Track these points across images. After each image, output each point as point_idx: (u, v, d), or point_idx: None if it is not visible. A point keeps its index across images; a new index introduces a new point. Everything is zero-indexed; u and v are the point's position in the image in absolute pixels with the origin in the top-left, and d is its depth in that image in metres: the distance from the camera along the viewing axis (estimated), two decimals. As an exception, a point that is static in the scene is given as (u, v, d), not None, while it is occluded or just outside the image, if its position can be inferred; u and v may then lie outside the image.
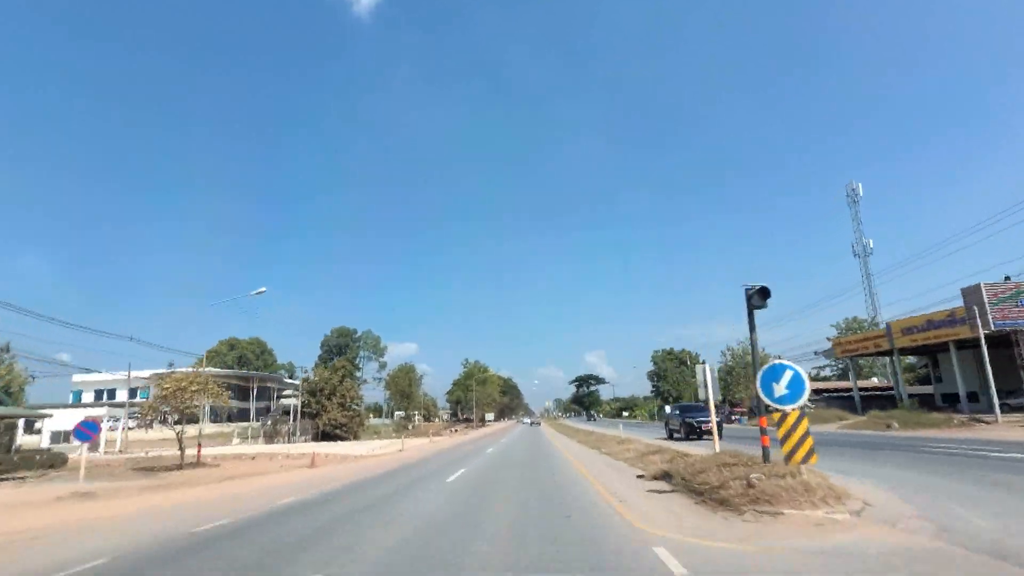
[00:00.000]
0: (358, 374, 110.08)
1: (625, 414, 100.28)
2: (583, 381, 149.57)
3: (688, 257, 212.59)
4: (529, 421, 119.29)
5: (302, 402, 50.78)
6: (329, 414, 47.42)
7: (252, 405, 60.61)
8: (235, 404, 63.38)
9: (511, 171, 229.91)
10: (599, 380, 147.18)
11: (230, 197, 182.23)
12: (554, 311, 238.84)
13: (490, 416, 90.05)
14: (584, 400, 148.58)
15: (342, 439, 48.19)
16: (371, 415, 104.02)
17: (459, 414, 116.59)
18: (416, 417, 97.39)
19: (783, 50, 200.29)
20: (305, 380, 49.90)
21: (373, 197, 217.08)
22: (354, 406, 50.85)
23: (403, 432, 73.77)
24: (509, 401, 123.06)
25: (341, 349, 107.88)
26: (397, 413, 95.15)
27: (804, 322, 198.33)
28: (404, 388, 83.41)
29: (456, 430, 77.77)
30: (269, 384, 69.73)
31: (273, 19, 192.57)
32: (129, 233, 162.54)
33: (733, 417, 43.23)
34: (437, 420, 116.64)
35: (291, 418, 47.18)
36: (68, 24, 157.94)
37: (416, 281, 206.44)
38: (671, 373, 73.04)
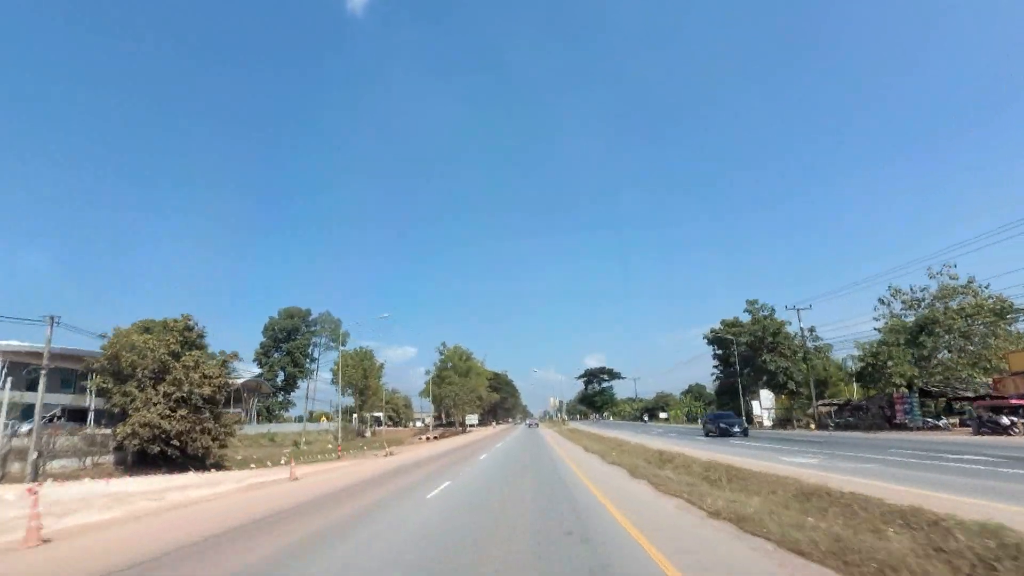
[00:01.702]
0: (311, 366, 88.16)
1: (663, 416, 78.12)
2: (593, 376, 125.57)
3: (690, 258, 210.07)
4: (528, 423, 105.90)
5: (96, 391, 29.11)
6: (140, 415, 25.17)
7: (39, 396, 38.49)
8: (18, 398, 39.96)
9: (512, 169, 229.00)
10: (613, 374, 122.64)
11: (228, 193, 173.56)
12: (554, 311, 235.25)
13: (472, 420, 67.37)
14: (595, 400, 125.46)
15: (194, 465, 26.32)
16: (324, 418, 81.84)
17: (442, 416, 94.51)
18: (377, 420, 74.64)
19: (787, 47, 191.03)
20: (110, 350, 27.32)
21: (371, 195, 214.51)
22: (209, 397, 28.60)
23: (351, 444, 51.56)
24: (502, 400, 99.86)
25: (290, 334, 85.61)
26: (355, 416, 72.94)
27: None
28: (356, 381, 61.09)
29: (426, 438, 55.91)
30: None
31: (271, 15, 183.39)
32: (127, 229, 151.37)
33: (993, 418, 20.12)
34: (414, 424, 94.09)
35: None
36: (67, 22, 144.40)
37: (415, 281, 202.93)
38: (788, 342, 41.34)
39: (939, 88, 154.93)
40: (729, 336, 46.90)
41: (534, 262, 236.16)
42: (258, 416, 79.20)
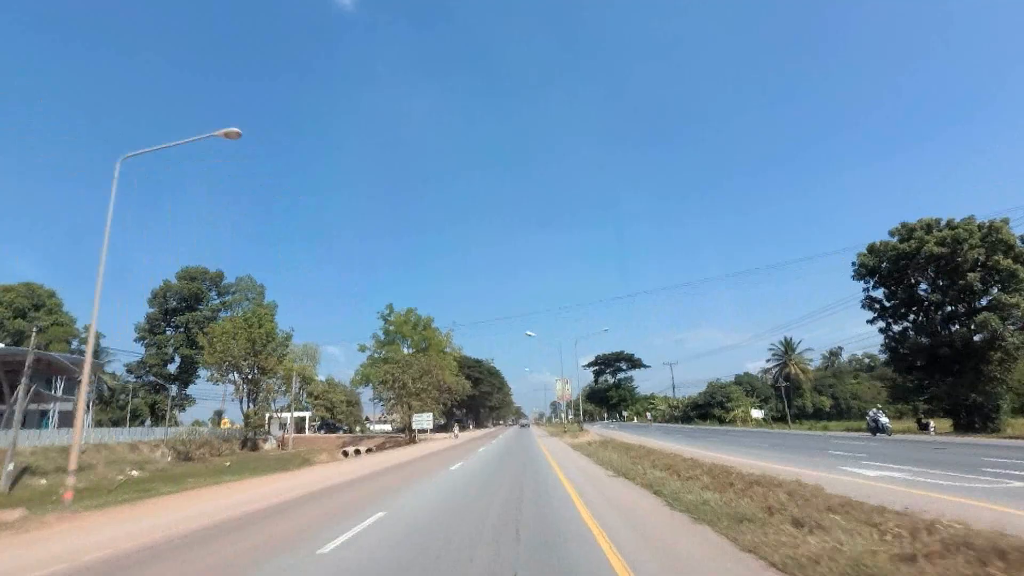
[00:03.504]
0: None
1: (757, 415, 54.20)
2: (606, 364, 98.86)
3: (689, 257, 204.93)
4: (521, 424, 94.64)
5: None
6: None
7: None
8: None
9: (508, 173, 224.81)
10: (633, 362, 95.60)
11: (224, 200, 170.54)
12: (551, 314, 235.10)
13: (425, 422, 41.00)
14: (609, 395, 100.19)
15: None
16: (228, 422, 57.14)
17: (409, 422, 70.04)
18: (317, 423, 49.35)
19: (788, 48, 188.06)
20: None
21: (370, 199, 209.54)
22: None
23: (174, 468, 27.38)
24: (484, 396, 72.95)
25: (190, 304, 61.10)
26: (277, 414, 48.58)
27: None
28: (237, 359, 36.51)
29: (344, 452, 32.23)
30: None
31: (267, 23, 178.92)
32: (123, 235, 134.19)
33: None
34: (362, 430, 69.55)
35: None
36: (60, 30, 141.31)
37: (411, 281, 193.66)
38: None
39: (936, 88, 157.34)
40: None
41: (532, 264, 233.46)
42: (112, 422, 54.73)
